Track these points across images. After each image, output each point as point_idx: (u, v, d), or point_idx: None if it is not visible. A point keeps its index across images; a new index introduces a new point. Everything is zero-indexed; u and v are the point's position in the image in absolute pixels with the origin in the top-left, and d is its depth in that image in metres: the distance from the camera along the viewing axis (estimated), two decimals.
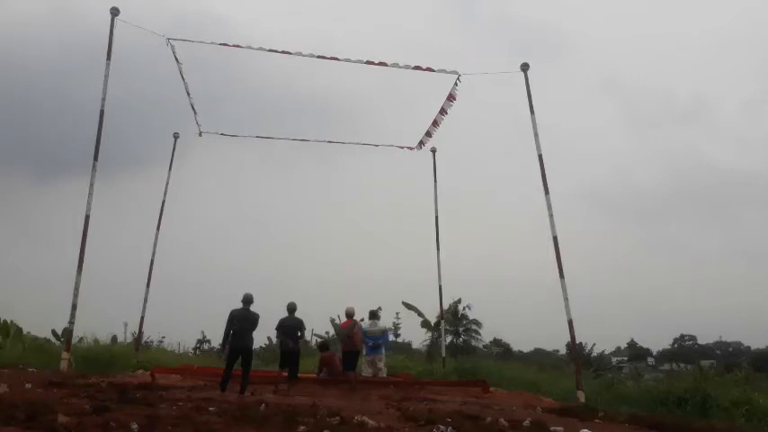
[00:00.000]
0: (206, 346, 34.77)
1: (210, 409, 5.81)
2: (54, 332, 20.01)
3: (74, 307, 10.24)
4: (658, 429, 6.86)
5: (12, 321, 15.79)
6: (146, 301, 15.02)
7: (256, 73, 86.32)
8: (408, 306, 28.28)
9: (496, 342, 39.01)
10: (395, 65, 12.46)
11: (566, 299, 10.68)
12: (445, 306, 20.01)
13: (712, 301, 75.97)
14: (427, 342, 29.84)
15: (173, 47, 12.23)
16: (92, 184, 10.69)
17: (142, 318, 15.10)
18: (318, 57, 12.15)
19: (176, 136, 16.56)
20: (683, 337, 65.69)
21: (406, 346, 35.85)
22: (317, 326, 28.54)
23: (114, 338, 20.57)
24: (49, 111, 70.63)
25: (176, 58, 12.65)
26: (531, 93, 12.01)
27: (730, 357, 52.68)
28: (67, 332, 10.82)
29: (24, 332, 16.39)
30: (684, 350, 60.83)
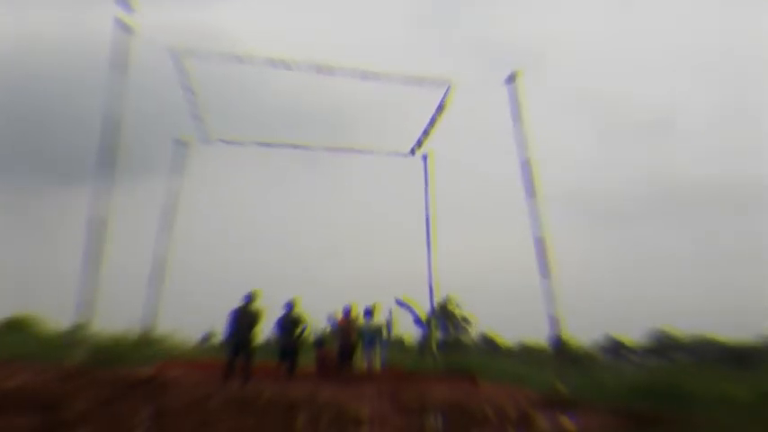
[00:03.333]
0: (214, 341, 35.26)
1: (214, 400, 6.17)
2: (68, 325, 20.23)
3: (88, 301, 10.75)
4: (637, 419, 7.17)
5: (27, 314, 15.96)
6: (156, 296, 15.62)
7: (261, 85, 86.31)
8: (401, 304, 28.73)
9: (484, 338, 39.68)
10: (386, 76, 12.97)
11: (550, 296, 11.25)
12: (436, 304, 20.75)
13: (689, 298, 77.29)
14: (419, 338, 30.47)
15: (177, 57, 12.68)
16: (108, 189, 11.13)
17: (152, 312, 15.61)
18: (317, 71, 12.63)
19: (180, 143, 16.87)
20: (659, 331, 66.36)
21: (399, 342, 36.54)
22: (317, 322, 29.02)
23: (127, 332, 20.82)
24: (72, 119, 70.90)
25: (181, 68, 13.08)
26: (520, 99, 12.58)
27: (707, 353, 53.16)
28: (81, 325, 11.26)
29: (39, 325, 16.57)
30: (662, 346, 61.41)
